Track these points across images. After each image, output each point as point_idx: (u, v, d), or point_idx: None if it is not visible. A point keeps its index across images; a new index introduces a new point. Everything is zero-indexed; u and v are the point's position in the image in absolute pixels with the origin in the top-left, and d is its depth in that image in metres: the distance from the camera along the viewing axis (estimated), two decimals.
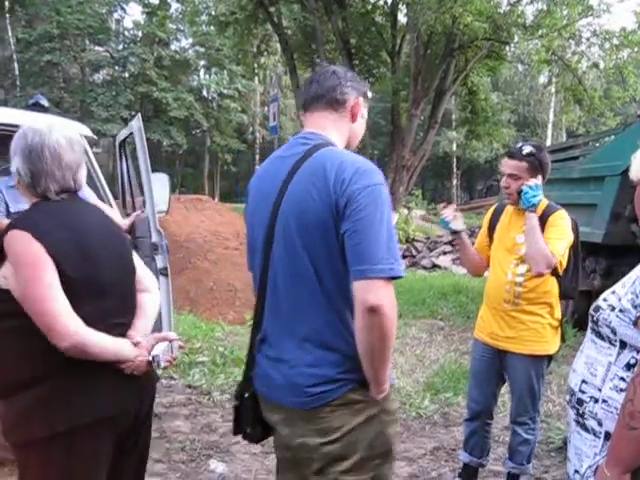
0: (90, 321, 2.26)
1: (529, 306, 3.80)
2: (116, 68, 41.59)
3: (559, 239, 3.66)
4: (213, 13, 29.78)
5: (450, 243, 17.79)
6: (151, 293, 2.63)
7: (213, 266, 11.05)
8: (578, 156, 9.71)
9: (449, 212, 3.90)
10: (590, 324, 2.09)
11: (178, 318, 9.26)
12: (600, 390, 2.00)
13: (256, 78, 43.38)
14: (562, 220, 3.75)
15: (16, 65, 40.72)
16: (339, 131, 2.35)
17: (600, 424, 1.99)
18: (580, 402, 2.07)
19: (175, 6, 41.68)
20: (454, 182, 47.62)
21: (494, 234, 4.03)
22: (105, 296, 2.35)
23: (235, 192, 46.03)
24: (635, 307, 1.91)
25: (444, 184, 52.46)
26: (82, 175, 2.46)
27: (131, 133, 4.95)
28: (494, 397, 4.17)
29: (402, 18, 21.55)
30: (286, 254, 2.19)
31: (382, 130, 35.71)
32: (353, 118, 2.38)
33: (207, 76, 45.62)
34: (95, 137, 5.64)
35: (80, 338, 2.20)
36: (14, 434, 2.28)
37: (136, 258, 2.64)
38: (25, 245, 2.20)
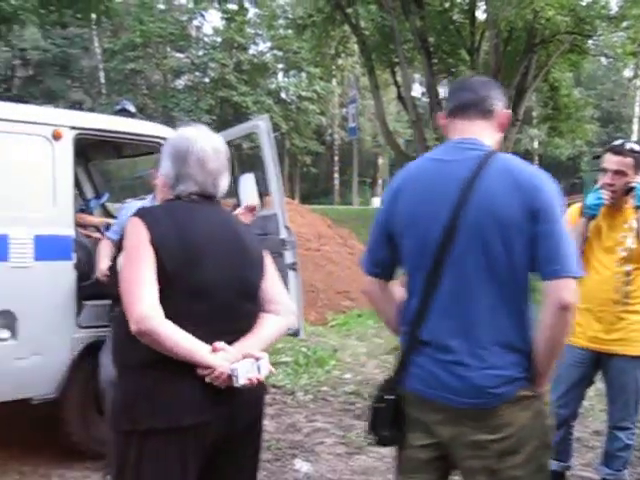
0: (183, 321, 2.24)
1: (638, 305, 3.69)
2: (197, 74, 42.38)
3: None
4: (290, 16, 30.01)
5: None
6: (278, 316, 2.50)
7: None
8: None
9: None
10: None
11: None
12: None
13: (334, 80, 43.40)
14: None
15: (102, 74, 42.03)
16: (490, 140, 2.43)
17: None
18: None
19: (253, 11, 42.23)
20: None
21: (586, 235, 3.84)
22: (202, 300, 2.31)
23: (315, 194, 46.26)
24: None
25: None
26: (224, 182, 2.53)
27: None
28: (581, 400, 4.08)
29: (481, 15, 21.20)
30: (473, 255, 2.24)
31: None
32: (500, 128, 2.49)
33: (285, 79, 45.99)
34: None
35: (151, 325, 2.17)
36: (109, 420, 2.44)
37: (273, 279, 2.56)
38: (135, 229, 2.31)
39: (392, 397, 2.37)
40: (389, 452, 4.69)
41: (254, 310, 2.47)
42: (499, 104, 2.45)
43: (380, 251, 2.48)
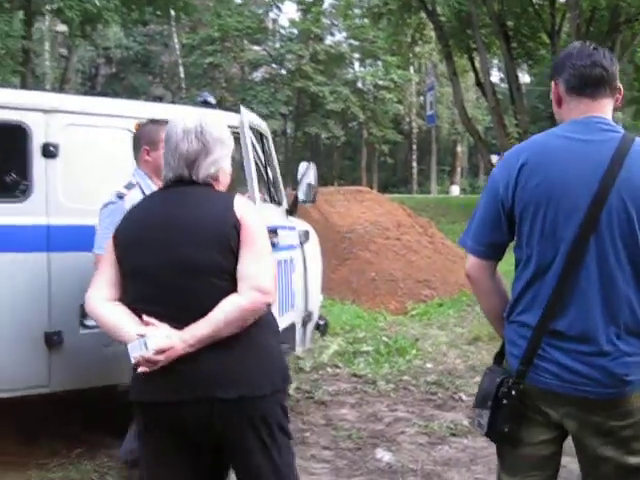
0: (138, 304, 2.39)
1: None
2: (274, 66, 42.71)
3: None
4: (366, 5, 29.88)
5: None
6: (236, 295, 2.32)
7: (374, 256, 11.11)
8: None
9: None
10: None
11: (342, 308, 9.43)
12: None
13: (411, 67, 43.09)
14: None
15: (181, 69, 42.79)
16: (610, 117, 2.33)
17: None
18: None
19: (329, 1, 42.24)
20: None
21: None
22: (143, 282, 2.40)
23: (392, 183, 46.07)
24: None
25: None
26: (203, 165, 2.44)
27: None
28: None
29: None
30: (615, 240, 2.16)
31: (541, 115, 34.42)
32: (616, 106, 2.36)
33: (362, 68, 45.86)
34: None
35: (88, 306, 2.48)
36: None
37: (248, 258, 2.35)
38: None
39: (516, 392, 2.26)
40: (472, 443, 4.68)
41: (213, 290, 2.33)
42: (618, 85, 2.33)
43: (493, 230, 2.32)
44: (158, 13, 25.37)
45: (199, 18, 38.99)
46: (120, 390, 4.45)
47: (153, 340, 2.23)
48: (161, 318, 2.30)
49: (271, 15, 44.59)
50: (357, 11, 34.11)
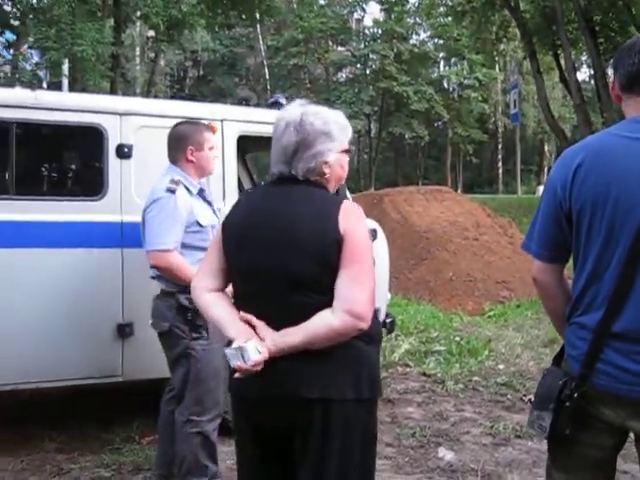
0: (237, 300, 2.45)
1: None
2: (358, 66, 42.89)
3: None
4: (450, 3, 29.62)
5: None
6: (327, 312, 2.24)
7: (452, 256, 11.05)
8: None
9: None
10: None
11: (417, 307, 9.42)
12: None
13: (497, 65, 42.50)
14: None
15: (266, 70, 43.46)
16: None
17: None
18: None
19: (412, 0, 42.08)
20: None
21: None
22: (245, 283, 2.42)
23: (478, 183, 45.51)
24: None
25: None
26: (304, 160, 2.34)
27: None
28: None
29: None
30: None
31: None
32: None
33: (447, 67, 45.52)
34: None
35: (194, 295, 2.54)
36: None
37: (347, 274, 2.25)
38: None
39: (579, 395, 2.22)
40: (537, 445, 4.63)
41: (309, 302, 2.27)
42: None
43: (555, 232, 2.27)
44: (243, 17, 25.73)
45: (283, 20, 39.53)
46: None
47: (250, 353, 2.24)
48: (259, 318, 2.32)
49: (355, 15, 44.82)
50: (441, 10, 33.82)
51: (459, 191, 35.70)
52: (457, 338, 7.77)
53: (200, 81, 47.40)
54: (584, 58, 34.57)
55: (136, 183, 4.40)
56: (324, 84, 43.56)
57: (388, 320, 5.29)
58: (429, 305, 9.73)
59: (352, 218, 2.31)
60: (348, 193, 5.14)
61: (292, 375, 2.30)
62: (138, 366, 4.47)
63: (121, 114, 4.42)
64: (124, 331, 4.38)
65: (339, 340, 2.26)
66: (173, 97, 41.77)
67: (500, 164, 44.13)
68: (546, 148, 46.82)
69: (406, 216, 12.26)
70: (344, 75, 45.17)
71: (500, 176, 43.93)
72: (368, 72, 42.56)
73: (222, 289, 2.51)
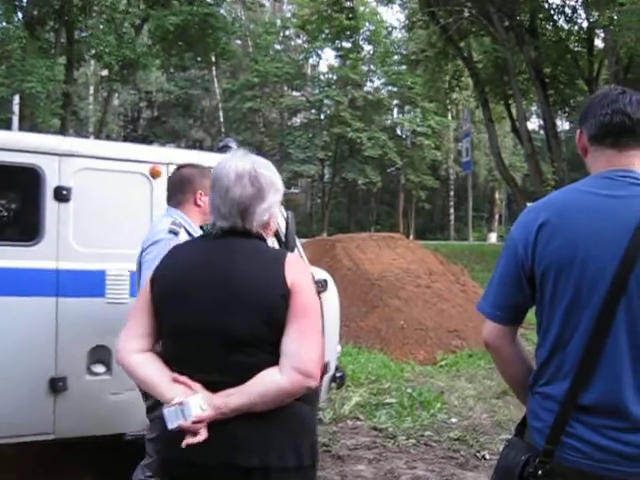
0: (169, 361, 2.26)
1: None
2: (312, 111, 43.15)
3: None
4: (404, 52, 30.15)
5: None
6: (274, 371, 2.14)
7: (404, 304, 10.92)
8: None
9: None
10: None
11: (369, 356, 9.24)
12: None
13: (449, 114, 43.21)
14: None
15: (221, 113, 43.53)
16: None
17: None
18: None
19: (367, 48, 42.71)
20: None
21: None
22: (179, 342, 2.26)
23: (430, 229, 45.88)
24: None
25: None
26: (258, 213, 2.26)
27: None
28: None
29: (599, 43, 20.60)
30: None
31: (581, 162, 33.97)
32: None
33: (400, 114, 46.09)
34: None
35: (119, 357, 2.32)
36: None
37: (295, 331, 2.16)
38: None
39: (543, 473, 2.05)
40: None
41: (251, 362, 2.16)
42: None
43: (513, 292, 2.14)
44: (198, 59, 25.79)
45: (239, 63, 39.79)
46: (127, 439, 4.36)
47: (192, 409, 2.10)
48: (194, 380, 2.17)
49: (310, 61, 45.27)
50: (395, 58, 34.39)
51: (411, 237, 35.94)
52: (409, 390, 7.61)
53: (154, 122, 47.14)
54: (534, 108, 35.30)
55: (74, 228, 4.19)
56: (278, 128, 43.73)
57: (338, 375, 5.11)
58: (380, 354, 9.56)
59: (298, 271, 2.23)
60: (298, 241, 4.96)
61: (229, 440, 2.13)
62: (72, 423, 4.20)
63: (60, 155, 4.22)
64: (57, 385, 4.12)
65: (287, 400, 2.14)
66: (126, 138, 41.63)
67: (452, 211, 44.53)
68: (497, 196, 47.47)
69: (358, 263, 12.13)
70: (298, 120, 45.37)
71: (452, 223, 44.31)
72: (322, 117, 42.79)
73: (152, 349, 2.32)
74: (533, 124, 43.21)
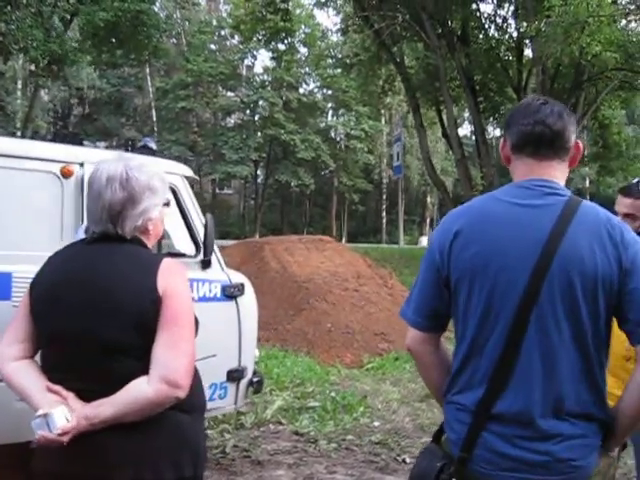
0: (44, 368, 2.21)
1: None
2: (246, 112, 42.99)
3: None
4: (339, 56, 30.27)
5: None
6: (147, 383, 2.07)
7: (331, 307, 10.90)
8: None
9: None
10: None
11: (294, 360, 9.18)
12: None
13: (382, 118, 43.58)
14: None
15: (154, 112, 42.93)
16: (563, 179, 2.17)
17: None
18: None
19: (303, 50, 42.76)
20: None
21: None
22: (53, 349, 2.20)
23: (363, 232, 46.17)
24: None
25: None
26: (130, 218, 2.20)
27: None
28: None
29: (528, 52, 21.03)
30: (564, 317, 1.98)
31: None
32: (572, 163, 2.20)
33: (334, 117, 46.29)
34: (197, 177, 5.60)
35: None
36: None
37: (165, 339, 2.10)
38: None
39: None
40: None
41: (125, 370, 2.09)
42: (573, 137, 2.15)
43: (433, 300, 2.16)
44: (130, 56, 25.32)
45: (173, 62, 39.33)
46: (33, 447, 4.20)
47: (56, 421, 2.02)
48: (70, 388, 2.10)
49: (245, 62, 45.08)
50: (330, 61, 34.49)
51: (344, 240, 36.14)
52: (332, 393, 7.56)
53: (85, 119, 46.19)
54: (467, 115, 35.89)
55: None
56: (212, 128, 43.43)
57: (255, 379, 5.03)
58: (307, 357, 9.51)
59: (172, 277, 2.16)
60: (216, 245, 4.87)
61: (102, 452, 2.06)
62: None
63: None
64: None
65: (155, 411, 2.06)
66: (55, 134, 40.64)
67: (384, 214, 44.92)
68: (429, 200, 48.12)
69: (286, 266, 12.09)
70: (232, 120, 45.16)
71: (384, 226, 44.71)
72: (256, 118, 42.73)
73: (31, 357, 2.24)
74: (465, 130, 44.01)
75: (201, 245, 4.55)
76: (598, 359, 2.03)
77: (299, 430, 6.31)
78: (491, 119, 24.80)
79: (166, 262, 2.20)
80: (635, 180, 3.43)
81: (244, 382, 4.89)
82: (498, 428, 2.00)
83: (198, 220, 4.67)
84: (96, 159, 4.51)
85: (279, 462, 5.50)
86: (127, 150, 4.94)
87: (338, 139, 44.37)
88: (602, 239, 1.99)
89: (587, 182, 41.95)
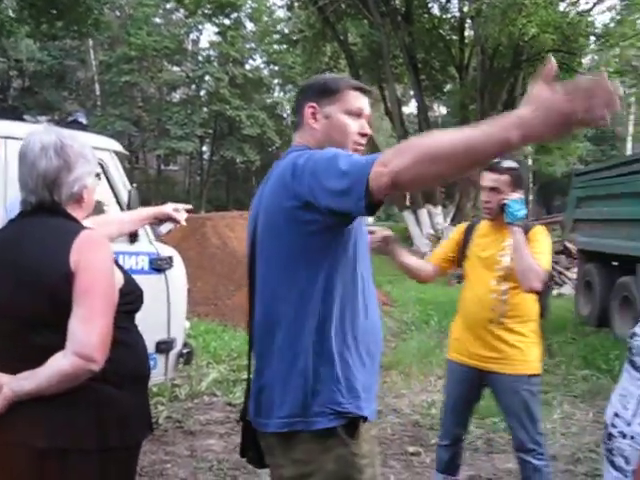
0: None
1: (514, 324, 3.62)
2: (192, 87, 42.49)
3: (544, 253, 3.48)
4: (286, 31, 30.17)
5: None
6: (63, 357, 2.09)
7: None
8: None
9: None
10: (627, 352, 1.93)
11: (233, 334, 9.29)
12: (629, 425, 1.84)
13: None
14: (542, 235, 3.58)
15: (97, 86, 42.14)
16: (310, 139, 2.25)
17: (627, 462, 1.83)
18: (610, 437, 1.92)
19: (250, 26, 42.43)
20: (530, 197, 46.53)
21: (467, 251, 3.82)
22: None
23: None
24: None
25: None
26: (67, 185, 2.22)
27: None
28: (470, 416, 3.98)
29: (470, 32, 21.31)
30: (267, 262, 2.14)
31: None
32: (309, 124, 2.26)
33: (281, 94, 46.13)
34: (127, 153, 5.65)
35: None
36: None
37: (79, 312, 2.11)
38: None
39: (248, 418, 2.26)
40: None
41: (46, 343, 2.11)
42: (304, 103, 2.25)
43: None
44: (73, 28, 24.77)
45: (117, 35, 38.59)
46: None
47: None
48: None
49: (191, 36, 44.48)
50: (276, 37, 34.35)
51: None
52: None
53: (25, 93, 44.97)
54: (412, 92, 36.18)
55: None
56: (157, 103, 42.78)
57: (185, 351, 5.14)
58: (245, 332, 9.62)
59: (87, 250, 2.14)
60: None
61: (25, 420, 2.11)
62: None
63: None
64: None
65: (73, 383, 2.09)
66: None
67: None
68: None
69: (227, 241, 12.15)
70: (177, 95, 44.59)
71: None
72: (202, 94, 42.31)
73: None
74: (412, 108, 44.28)
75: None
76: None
77: (232, 401, 6.43)
78: (432, 97, 25.07)
79: (83, 235, 2.18)
80: (498, 159, 3.66)
81: (174, 353, 5.00)
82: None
83: (126, 194, 4.73)
84: (22, 133, 4.52)
85: (211, 432, 5.62)
86: (58, 124, 4.90)
87: (284, 115, 44.26)
88: (282, 179, 2.04)
89: (530, 161, 42.65)
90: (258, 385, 2.17)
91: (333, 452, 2.04)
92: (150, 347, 4.83)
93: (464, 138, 1.59)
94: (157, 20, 42.33)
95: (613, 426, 1.90)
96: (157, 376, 4.94)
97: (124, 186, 4.77)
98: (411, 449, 5.19)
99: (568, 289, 14.77)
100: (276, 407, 2.08)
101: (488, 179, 3.64)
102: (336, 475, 2.04)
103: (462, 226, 4.02)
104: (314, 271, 2.03)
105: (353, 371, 2.08)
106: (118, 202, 4.70)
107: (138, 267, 4.66)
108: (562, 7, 17.96)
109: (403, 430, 5.64)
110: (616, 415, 1.90)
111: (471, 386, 3.80)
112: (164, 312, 4.86)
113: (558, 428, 5.82)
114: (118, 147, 4.98)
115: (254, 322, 2.18)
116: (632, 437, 1.82)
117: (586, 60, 22.53)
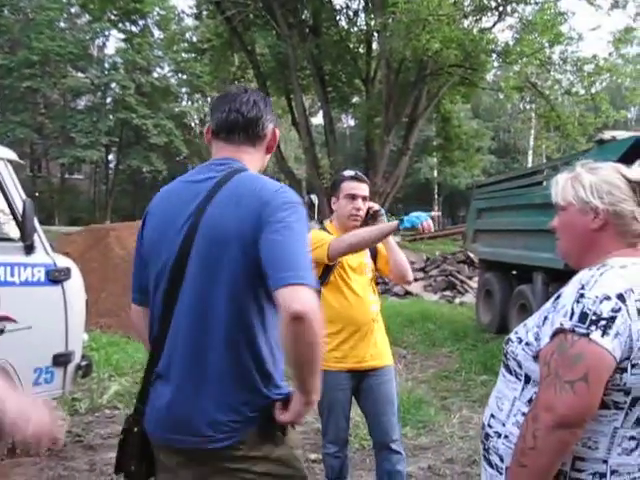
0: None
1: (379, 322, 3.90)
2: (97, 95, 41.66)
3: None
4: (194, 40, 29.96)
5: (423, 269, 17.75)
6: None
7: None
8: (542, 181, 9.68)
9: None
10: (502, 357, 2.02)
11: (136, 346, 9.12)
12: (504, 425, 1.94)
13: None
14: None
15: None
16: (254, 164, 2.27)
17: (502, 460, 1.92)
18: (487, 437, 2.00)
19: (157, 33, 41.94)
20: (435, 208, 47.54)
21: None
22: None
23: None
24: (537, 340, 1.84)
25: (426, 211, 52.37)
26: None
27: None
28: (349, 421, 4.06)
29: (377, 45, 21.68)
30: (203, 282, 2.06)
31: (363, 156, 35.76)
32: (269, 150, 2.33)
33: (189, 103, 45.75)
34: (22, 162, 5.51)
35: None
36: None
37: None
38: None
39: (136, 430, 2.20)
40: None
41: None
42: (270, 125, 2.28)
43: (140, 277, 2.27)
44: None
45: (18, 39, 37.43)
46: None
47: None
48: None
49: (97, 42, 43.62)
50: (184, 45, 34.05)
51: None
52: None
53: None
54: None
55: None
56: (60, 110, 41.71)
57: (84, 364, 5.04)
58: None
59: None
60: (40, 229, 4.84)
61: None
62: None
63: None
64: None
65: None
66: None
67: None
68: None
69: (132, 252, 11.79)
70: (82, 103, 43.62)
71: None
72: (108, 101, 41.54)
73: None
74: (320, 119, 44.66)
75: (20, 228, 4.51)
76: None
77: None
78: (339, 109, 25.35)
79: None
80: (350, 171, 3.93)
81: (72, 366, 4.90)
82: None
83: (21, 205, 4.62)
84: None
85: (112, 445, 5.50)
86: None
87: (192, 125, 43.91)
88: (237, 202, 2.04)
89: (435, 172, 43.61)
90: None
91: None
92: (47, 360, 4.76)
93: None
94: (62, 24, 41.33)
95: (489, 426, 2.01)
96: (54, 390, 4.83)
97: (19, 195, 4.65)
98: (312, 456, 5.23)
99: (470, 297, 15.20)
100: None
101: (362, 189, 3.83)
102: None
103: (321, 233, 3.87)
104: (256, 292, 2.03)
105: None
106: (13, 212, 4.59)
107: (34, 279, 4.56)
108: (466, 24, 18.52)
109: (305, 437, 5.68)
110: (492, 416, 2.01)
111: (350, 391, 3.90)
112: (62, 324, 4.76)
113: (457, 432, 5.98)
114: (12, 156, 4.85)
115: (176, 333, 2.10)
116: (506, 436, 1.92)
117: (489, 76, 23.29)
